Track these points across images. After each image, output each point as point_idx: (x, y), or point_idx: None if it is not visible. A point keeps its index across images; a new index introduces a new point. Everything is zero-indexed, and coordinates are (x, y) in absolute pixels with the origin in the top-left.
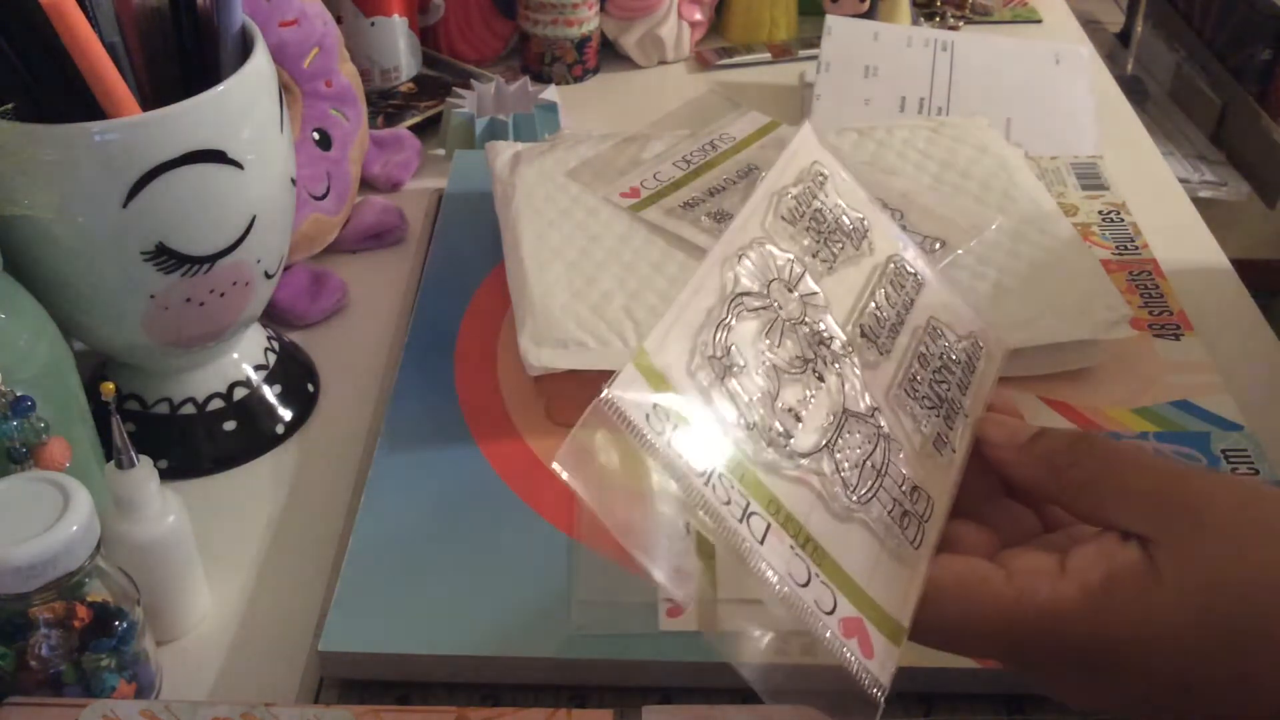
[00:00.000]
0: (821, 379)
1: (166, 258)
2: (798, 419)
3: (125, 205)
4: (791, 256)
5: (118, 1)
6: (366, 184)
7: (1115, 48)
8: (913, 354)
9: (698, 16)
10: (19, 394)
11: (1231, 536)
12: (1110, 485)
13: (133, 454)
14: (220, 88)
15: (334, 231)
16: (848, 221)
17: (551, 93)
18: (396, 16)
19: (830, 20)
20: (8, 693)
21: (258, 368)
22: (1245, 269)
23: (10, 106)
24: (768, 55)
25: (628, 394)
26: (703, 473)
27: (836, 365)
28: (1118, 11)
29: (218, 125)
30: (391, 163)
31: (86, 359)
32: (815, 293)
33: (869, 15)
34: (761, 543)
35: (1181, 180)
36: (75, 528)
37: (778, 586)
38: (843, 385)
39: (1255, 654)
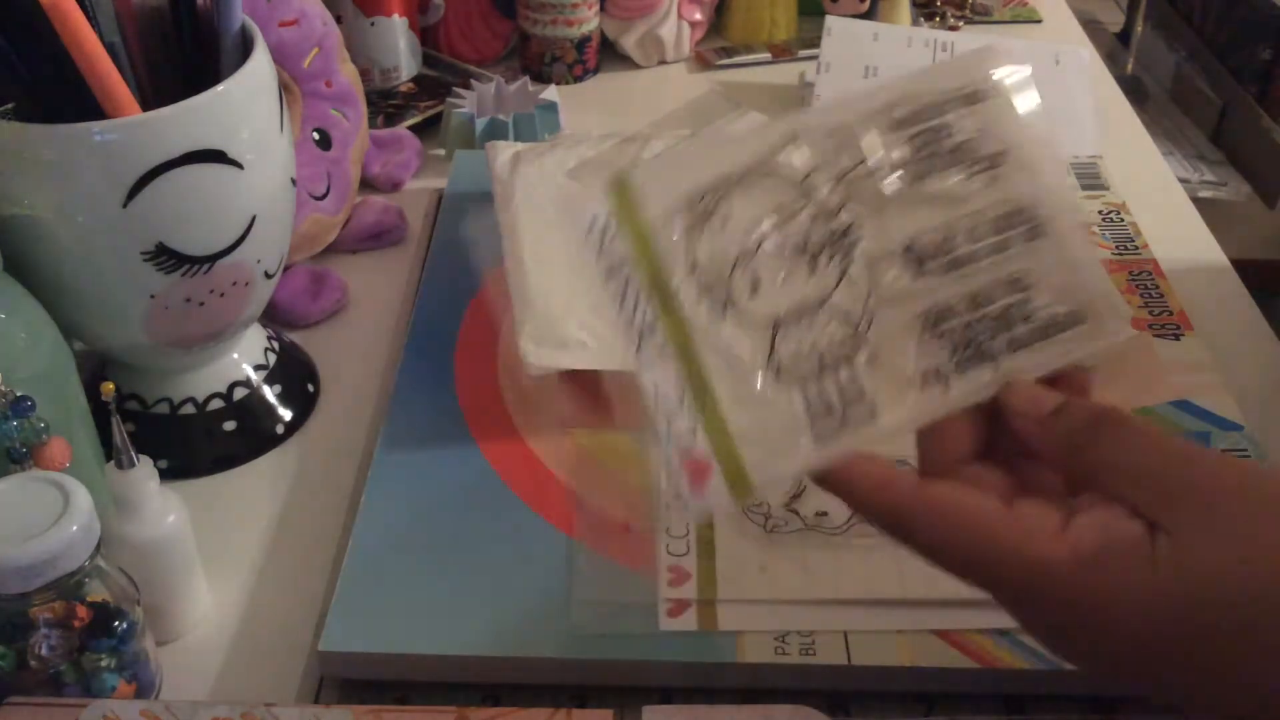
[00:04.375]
0: (815, 269)
1: (166, 258)
2: (754, 289)
3: (125, 205)
4: (867, 160)
5: (118, 1)
6: (366, 184)
7: (1115, 48)
8: (968, 294)
9: (698, 16)
10: (19, 394)
11: (1235, 531)
12: (1123, 468)
13: (133, 454)
14: (220, 88)
15: (334, 231)
16: (978, 149)
17: (551, 93)
18: (396, 16)
19: (830, 20)
20: (8, 693)
21: (258, 368)
22: (1245, 269)
23: (10, 106)
24: (768, 55)
25: (588, 196)
26: (618, 286)
27: (846, 264)
28: (1118, 11)
29: (218, 125)
30: (391, 163)
31: (86, 359)
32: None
33: (869, 15)
34: (638, 356)
35: (1181, 180)
36: (75, 528)
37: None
38: (837, 283)
39: (1244, 648)
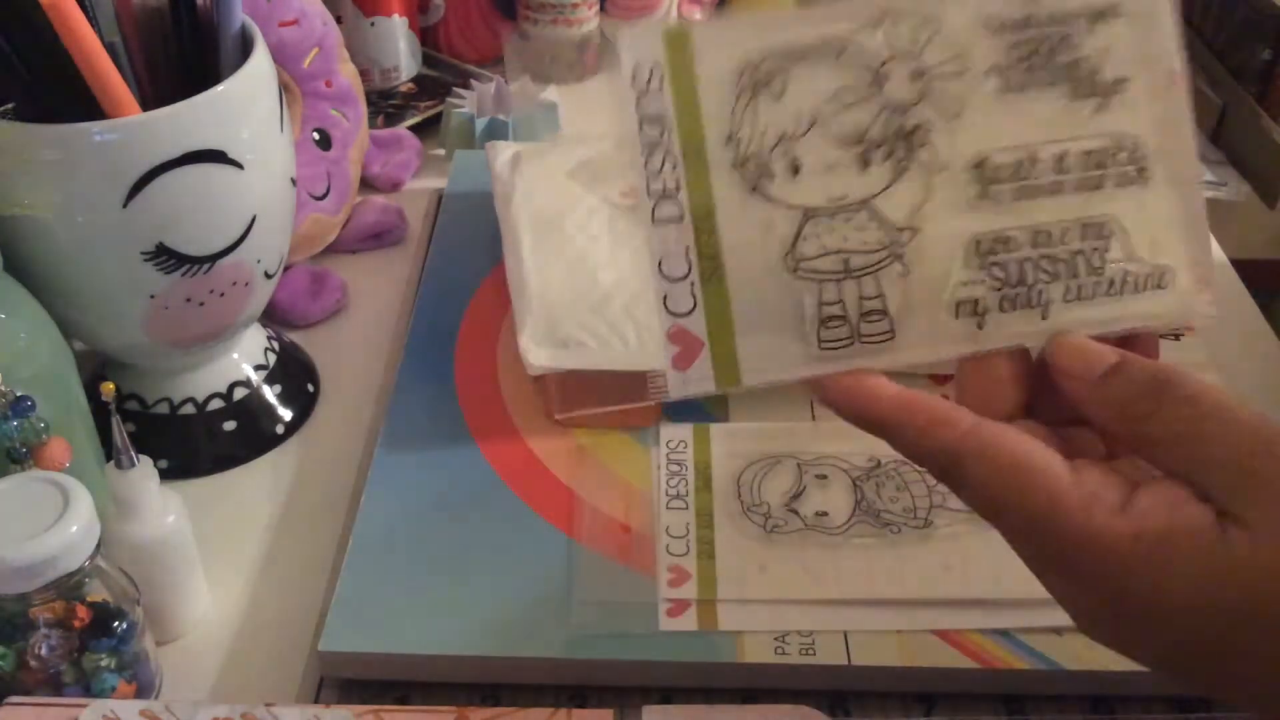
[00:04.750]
0: (866, 166)
1: (166, 258)
2: (794, 172)
3: (125, 205)
4: (958, 58)
5: (118, 1)
6: (366, 184)
7: None
8: (1033, 228)
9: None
10: (19, 394)
11: None
12: (1189, 448)
13: (133, 454)
14: (220, 88)
15: (334, 231)
16: (1094, 71)
17: (551, 93)
18: (396, 16)
19: None
20: (8, 693)
21: (258, 368)
22: (1245, 269)
23: (10, 106)
24: None
25: (641, 39)
26: (650, 142)
27: (902, 168)
28: None
29: (218, 125)
30: (391, 163)
31: (86, 359)
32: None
33: None
34: (653, 220)
35: None
36: (75, 528)
37: (650, 261)
38: (889, 187)
39: None
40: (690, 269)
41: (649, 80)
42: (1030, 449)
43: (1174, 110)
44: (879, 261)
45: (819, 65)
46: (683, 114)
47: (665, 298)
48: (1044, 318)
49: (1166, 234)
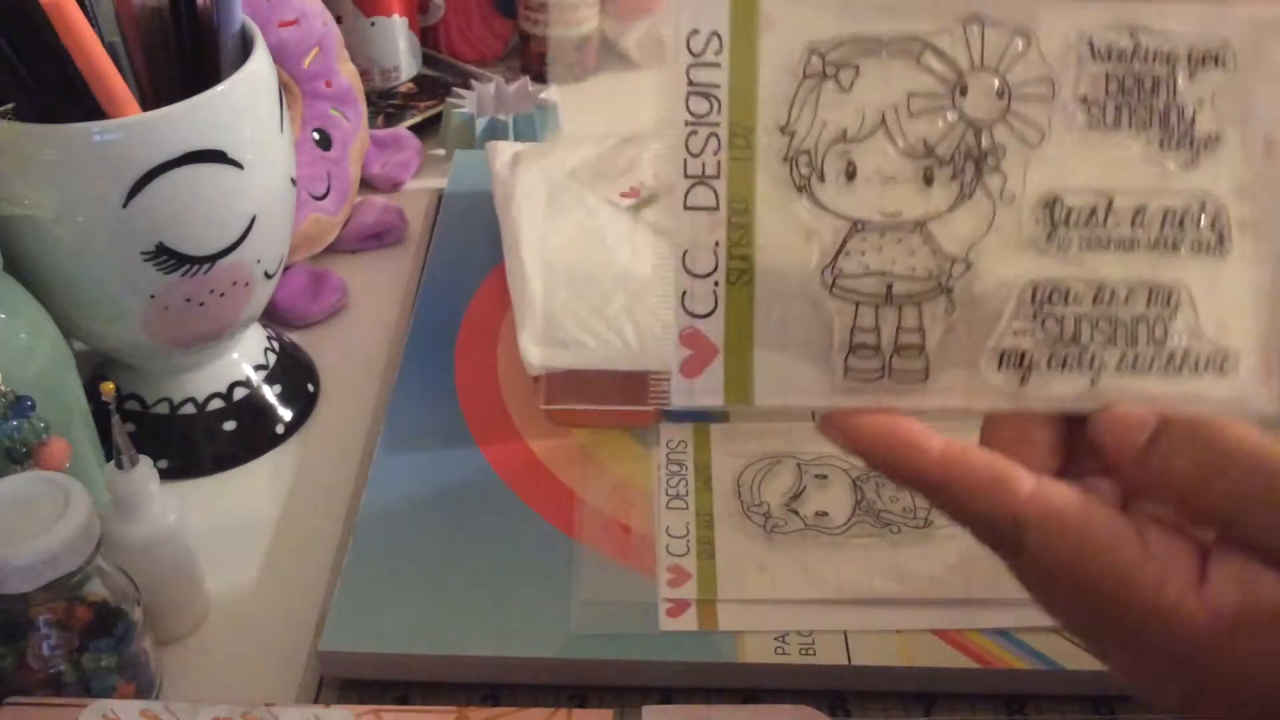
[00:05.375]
0: (929, 183)
1: (166, 258)
2: (849, 177)
3: (125, 205)
4: (1048, 79)
5: (118, 1)
6: (366, 184)
7: None
8: (1097, 283)
9: None
10: (19, 394)
11: None
12: (1257, 520)
13: (133, 454)
14: (220, 88)
15: (334, 231)
16: (1191, 121)
17: (551, 93)
18: (396, 16)
19: None
20: (8, 693)
21: (258, 368)
22: None
23: (10, 106)
24: None
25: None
26: (695, 118)
27: (966, 192)
28: None
29: (218, 125)
30: (391, 163)
31: (86, 359)
32: (1027, 126)
33: None
34: (684, 206)
35: None
36: (75, 528)
37: (667, 256)
38: (950, 210)
39: None
40: (717, 266)
41: (706, 46)
42: (1096, 516)
43: (1268, 181)
44: (925, 291)
45: (895, 62)
46: (737, 91)
47: (685, 294)
48: (1093, 383)
49: (1238, 313)
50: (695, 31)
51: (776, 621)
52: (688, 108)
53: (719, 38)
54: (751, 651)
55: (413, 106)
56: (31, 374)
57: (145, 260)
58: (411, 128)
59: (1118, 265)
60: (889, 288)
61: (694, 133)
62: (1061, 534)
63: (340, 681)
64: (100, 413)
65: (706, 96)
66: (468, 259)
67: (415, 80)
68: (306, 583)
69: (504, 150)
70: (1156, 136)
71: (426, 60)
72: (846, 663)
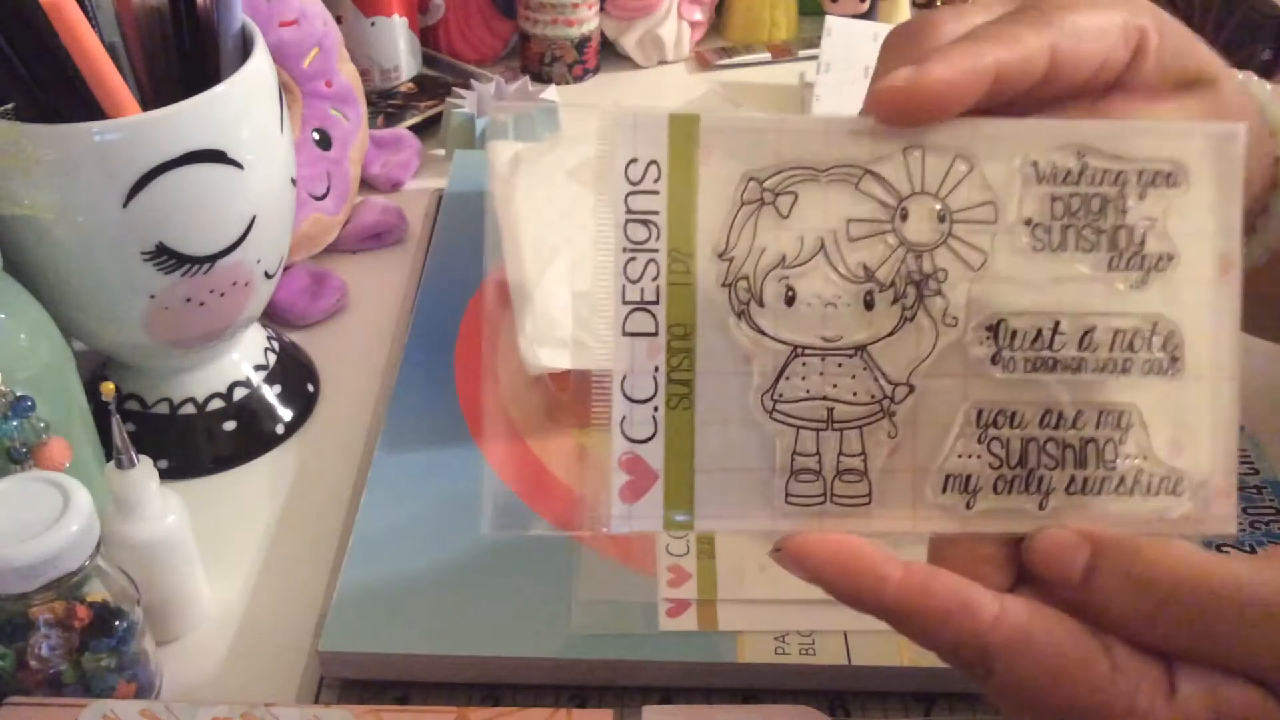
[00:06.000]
0: (869, 308)
1: (166, 258)
2: (789, 302)
3: (125, 205)
4: (991, 205)
5: (118, 1)
6: (366, 184)
7: None
8: (1044, 405)
9: (698, 16)
10: (19, 394)
11: None
12: (1213, 650)
13: (133, 454)
14: (220, 88)
15: (334, 231)
16: (1141, 242)
17: (551, 93)
18: (396, 16)
19: (830, 20)
20: (8, 693)
21: (258, 368)
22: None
23: (10, 106)
24: (768, 55)
25: (643, 127)
26: (634, 244)
27: (908, 316)
28: None
29: (218, 125)
30: (391, 163)
31: (86, 359)
32: (973, 251)
33: (869, 15)
34: (623, 332)
35: None
36: (75, 528)
37: (612, 382)
38: (891, 334)
39: None
40: (657, 391)
41: (644, 174)
42: (1063, 639)
43: (1222, 301)
44: (867, 416)
45: (834, 188)
46: (675, 218)
47: (623, 420)
48: (1042, 506)
49: (1192, 435)
50: (634, 160)
51: (776, 621)
52: (626, 235)
53: (658, 166)
54: (751, 651)
55: (413, 106)
56: (31, 374)
57: (145, 260)
58: (411, 128)
59: (1065, 387)
60: (830, 412)
61: (633, 259)
62: (1029, 659)
63: (340, 681)
64: (100, 413)
65: (645, 224)
66: (468, 259)
67: (415, 80)
68: (306, 583)
69: (504, 150)
70: (1105, 257)
71: (426, 60)
72: (846, 663)
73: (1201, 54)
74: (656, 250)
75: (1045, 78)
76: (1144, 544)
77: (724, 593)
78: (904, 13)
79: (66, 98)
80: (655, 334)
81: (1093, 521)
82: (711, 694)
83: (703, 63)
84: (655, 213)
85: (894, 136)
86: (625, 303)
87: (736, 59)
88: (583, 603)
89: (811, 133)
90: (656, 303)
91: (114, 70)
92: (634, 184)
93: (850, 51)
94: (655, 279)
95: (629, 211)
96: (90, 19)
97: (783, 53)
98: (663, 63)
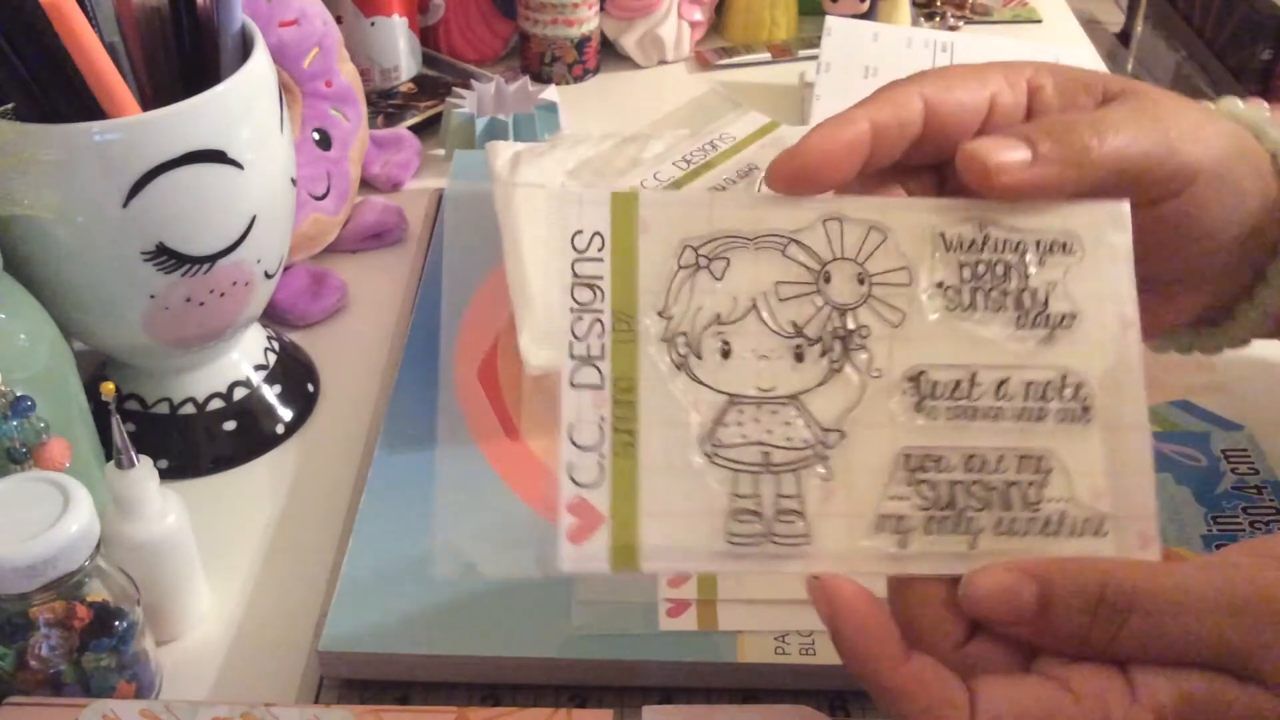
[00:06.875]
0: (800, 360)
1: (166, 258)
2: (724, 356)
3: (125, 205)
4: (905, 271)
5: (118, 1)
6: (366, 184)
7: (1115, 48)
8: (967, 451)
9: (698, 16)
10: (19, 394)
11: None
12: (1170, 649)
13: (133, 454)
14: (220, 88)
15: (334, 231)
16: (1044, 303)
17: (551, 93)
18: (396, 16)
19: (830, 20)
20: (8, 693)
21: (258, 368)
22: None
23: (10, 106)
24: (768, 55)
25: (588, 203)
26: (580, 305)
27: (836, 368)
28: (1118, 11)
29: (218, 125)
30: (391, 163)
31: (86, 359)
32: (893, 310)
33: (869, 15)
34: (571, 384)
35: None
36: (75, 528)
37: (562, 427)
38: (820, 385)
39: None
40: (603, 439)
41: (589, 244)
42: (1029, 706)
43: (1125, 358)
44: (801, 460)
45: (763, 254)
46: (618, 282)
47: (570, 466)
48: (972, 547)
49: (1110, 480)
50: (579, 231)
51: (776, 621)
52: (573, 297)
53: (601, 237)
54: (751, 651)
55: (413, 106)
56: (31, 374)
57: (145, 260)
58: (411, 128)
59: (986, 434)
60: (767, 456)
61: (579, 319)
62: None
63: (340, 681)
64: (100, 413)
65: (590, 287)
66: (467, 259)
67: (415, 80)
68: (306, 583)
69: (504, 150)
70: (1013, 315)
71: (426, 60)
72: None
73: (1110, 79)
74: (601, 311)
75: (928, 125)
76: (1088, 565)
77: (724, 592)
78: (904, 12)
79: (66, 98)
80: (601, 386)
81: (1010, 557)
82: (711, 694)
83: (703, 63)
84: (600, 278)
85: (811, 208)
86: (573, 357)
87: (736, 59)
88: (583, 602)
89: (740, 205)
90: (602, 358)
91: (114, 70)
92: (580, 252)
93: (850, 52)
94: (600, 336)
95: (575, 276)
96: (90, 19)
97: (783, 53)
98: (663, 63)
